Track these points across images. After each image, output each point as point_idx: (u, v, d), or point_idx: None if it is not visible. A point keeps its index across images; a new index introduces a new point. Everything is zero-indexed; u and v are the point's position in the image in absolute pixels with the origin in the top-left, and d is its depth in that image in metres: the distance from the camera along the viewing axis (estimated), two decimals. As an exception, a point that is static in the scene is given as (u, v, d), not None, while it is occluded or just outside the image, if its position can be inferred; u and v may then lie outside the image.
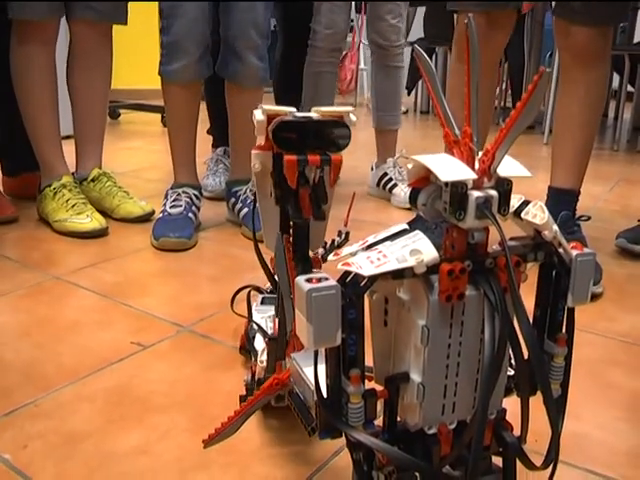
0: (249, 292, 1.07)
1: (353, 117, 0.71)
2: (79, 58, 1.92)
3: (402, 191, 2.19)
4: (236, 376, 1.04)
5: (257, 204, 0.79)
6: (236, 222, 1.90)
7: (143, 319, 1.27)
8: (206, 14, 1.71)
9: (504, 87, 4.57)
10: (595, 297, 1.42)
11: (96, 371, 1.07)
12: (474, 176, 0.46)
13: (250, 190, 1.85)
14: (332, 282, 0.46)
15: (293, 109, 0.71)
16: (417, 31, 4.47)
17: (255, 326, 0.96)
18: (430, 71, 0.50)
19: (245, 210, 1.82)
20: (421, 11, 4.47)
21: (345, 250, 0.50)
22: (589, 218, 1.61)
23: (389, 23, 2.15)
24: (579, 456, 0.87)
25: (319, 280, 0.46)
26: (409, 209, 2.03)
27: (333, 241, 1.53)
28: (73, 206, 1.79)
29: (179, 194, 1.82)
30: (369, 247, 0.49)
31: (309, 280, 0.46)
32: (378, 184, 2.31)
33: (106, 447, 0.87)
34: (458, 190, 0.46)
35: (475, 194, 0.46)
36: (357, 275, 0.47)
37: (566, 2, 1.47)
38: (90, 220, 1.76)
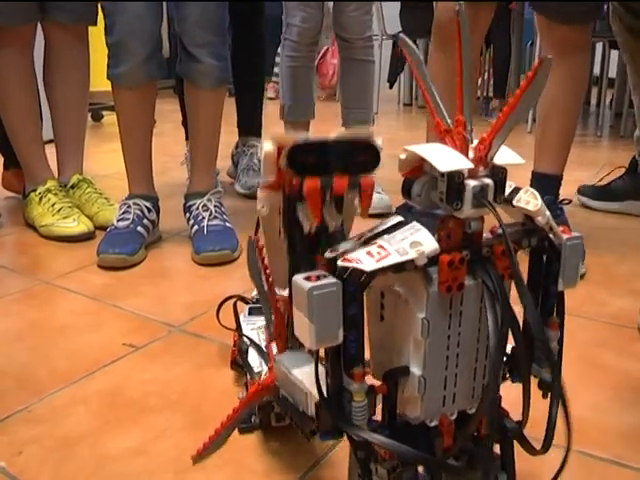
0: (235, 303, 1.02)
1: (379, 141, 0.54)
2: (54, 62, 1.88)
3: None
4: (229, 374, 1.03)
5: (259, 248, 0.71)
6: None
7: (134, 320, 1.26)
8: (153, 10, 1.58)
9: (486, 77, 4.57)
10: (580, 277, 1.43)
11: (89, 374, 1.06)
12: (471, 165, 0.46)
13: (203, 206, 1.70)
14: (332, 279, 0.46)
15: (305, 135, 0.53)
16: (389, 24, 4.40)
17: (247, 340, 0.93)
18: (417, 58, 0.49)
19: (195, 228, 1.67)
20: (387, 5, 4.41)
21: (342, 246, 0.49)
22: (570, 202, 1.67)
23: (350, 15, 1.99)
24: (574, 438, 0.87)
25: (318, 277, 0.45)
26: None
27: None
28: (59, 210, 1.77)
29: (129, 206, 1.68)
30: (366, 241, 0.49)
31: (308, 278, 0.45)
32: None
33: (102, 449, 0.87)
34: (455, 180, 0.45)
35: (472, 183, 0.46)
36: (355, 270, 0.46)
37: (544, 2, 1.54)
38: (77, 224, 1.74)
